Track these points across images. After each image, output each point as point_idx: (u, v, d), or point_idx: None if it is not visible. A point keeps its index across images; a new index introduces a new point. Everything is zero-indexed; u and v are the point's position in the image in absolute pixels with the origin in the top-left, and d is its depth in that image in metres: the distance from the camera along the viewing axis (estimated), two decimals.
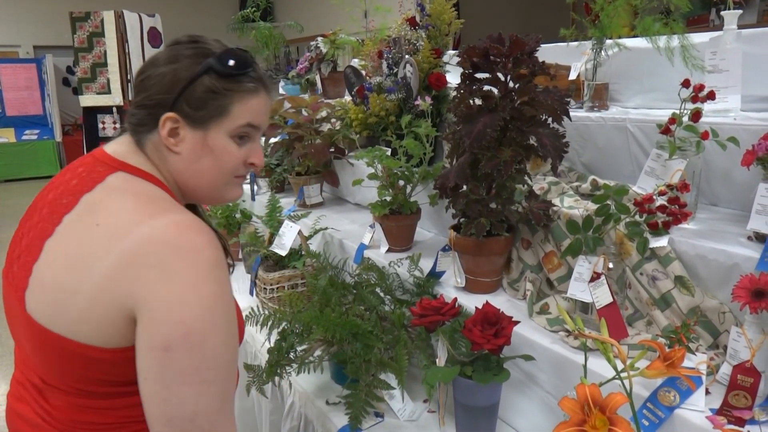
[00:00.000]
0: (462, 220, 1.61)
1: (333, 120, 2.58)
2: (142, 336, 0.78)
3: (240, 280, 2.40)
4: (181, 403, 0.78)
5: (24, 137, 9.37)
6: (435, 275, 1.70)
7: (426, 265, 1.75)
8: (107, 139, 1.03)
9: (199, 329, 0.78)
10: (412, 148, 1.90)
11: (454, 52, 2.28)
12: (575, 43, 1.96)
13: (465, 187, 1.55)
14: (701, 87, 1.35)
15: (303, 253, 2.05)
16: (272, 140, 2.71)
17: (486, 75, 1.49)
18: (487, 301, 1.32)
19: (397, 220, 1.95)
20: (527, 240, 1.64)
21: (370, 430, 1.48)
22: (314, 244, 2.33)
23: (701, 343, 1.28)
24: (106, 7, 6.57)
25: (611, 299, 1.29)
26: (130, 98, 6.07)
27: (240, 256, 2.53)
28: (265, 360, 1.56)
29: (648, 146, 1.62)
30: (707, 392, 1.14)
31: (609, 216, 1.39)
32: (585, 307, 1.41)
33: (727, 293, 1.20)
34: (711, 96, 1.34)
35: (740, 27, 1.64)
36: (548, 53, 1.97)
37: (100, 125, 6.68)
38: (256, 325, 1.64)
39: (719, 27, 1.61)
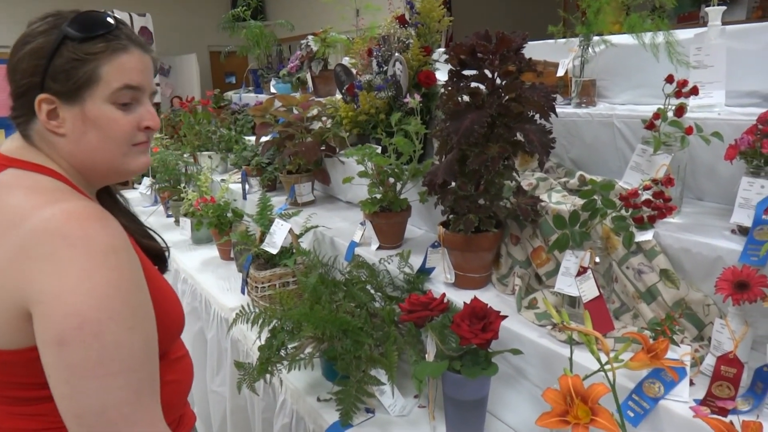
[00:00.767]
0: (451, 216, 1.62)
1: (324, 118, 2.59)
2: (37, 332, 0.75)
3: (231, 279, 2.40)
4: (86, 398, 0.75)
5: None
6: (425, 271, 1.71)
7: (416, 261, 1.76)
8: None
9: (94, 319, 0.74)
10: (402, 146, 1.91)
11: (443, 49, 2.28)
12: (563, 40, 1.98)
13: (453, 184, 1.56)
14: (685, 82, 1.36)
15: (294, 251, 2.05)
16: (263, 139, 2.71)
17: (474, 72, 1.50)
18: (475, 297, 1.33)
19: (387, 217, 1.96)
20: (516, 236, 1.65)
21: (360, 425, 1.49)
22: (305, 242, 2.33)
23: (686, 335, 1.29)
24: (96, 7, 6.52)
25: (598, 293, 1.31)
26: None
27: (231, 255, 2.53)
28: (256, 358, 1.57)
29: (634, 142, 1.64)
30: (691, 383, 1.15)
31: (595, 211, 1.40)
32: (572, 301, 1.42)
33: (711, 286, 1.21)
34: (694, 91, 1.36)
35: (729, 24, 1.66)
36: (536, 50, 1.98)
37: None
38: (247, 323, 1.65)
39: (708, 24, 1.62)
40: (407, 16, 2.28)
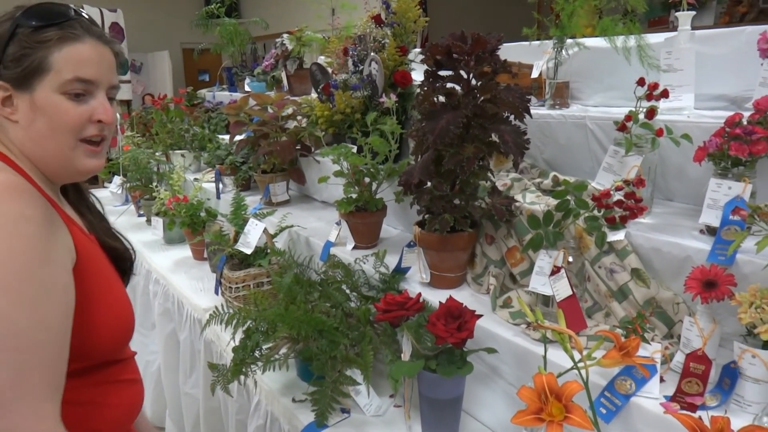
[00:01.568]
0: (426, 216, 1.63)
1: (299, 117, 2.57)
2: None
3: (205, 279, 2.37)
4: None
5: None
6: (400, 271, 1.71)
7: (392, 261, 1.76)
8: None
9: None
10: (378, 146, 1.91)
11: (419, 49, 2.29)
12: (537, 42, 2.00)
13: (429, 184, 1.57)
14: (655, 85, 1.39)
15: (268, 251, 2.03)
16: (237, 138, 2.68)
17: (449, 72, 1.50)
18: (450, 296, 1.34)
19: (363, 217, 1.96)
20: (491, 235, 1.66)
21: (336, 426, 1.48)
22: (280, 242, 2.32)
23: (657, 333, 1.31)
24: (67, 2, 6.38)
25: (571, 292, 1.32)
26: None
27: (205, 255, 2.50)
28: (230, 359, 1.55)
29: (607, 143, 1.66)
30: (662, 380, 1.18)
31: (569, 211, 1.42)
32: (546, 300, 1.44)
33: (681, 285, 1.24)
34: (665, 94, 1.38)
35: (697, 29, 1.70)
36: (512, 52, 2.00)
37: None
38: (221, 324, 1.63)
39: (677, 28, 1.66)
40: (383, 16, 2.28)
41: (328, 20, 2.96)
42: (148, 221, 3.03)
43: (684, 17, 1.65)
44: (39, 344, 0.75)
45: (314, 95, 2.68)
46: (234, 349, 1.55)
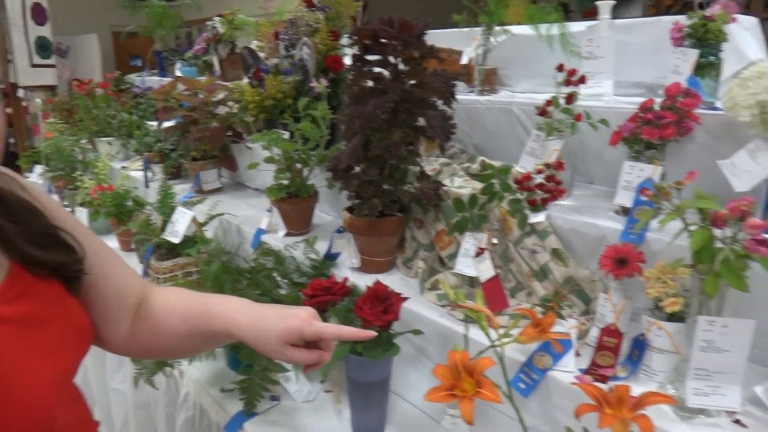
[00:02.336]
0: (356, 201, 1.62)
1: (230, 103, 2.51)
2: None
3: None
4: None
5: None
6: (331, 257, 1.71)
7: (324, 247, 1.75)
8: None
9: None
10: (309, 131, 1.89)
11: None
12: (468, 29, 2.02)
13: (358, 169, 1.56)
14: (573, 71, 1.43)
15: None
16: (166, 124, 2.59)
17: (377, 57, 1.50)
18: (377, 280, 1.34)
19: (294, 203, 1.93)
20: (420, 220, 1.67)
21: (266, 413, 1.47)
22: (211, 231, 2.26)
23: (575, 310, 1.37)
24: None
25: (494, 273, 1.35)
26: (12, 79, 5.58)
27: (133, 246, 2.41)
28: None
29: (531, 128, 1.71)
30: (578, 354, 1.22)
31: (493, 194, 1.45)
32: (472, 282, 1.47)
33: (597, 263, 1.29)
34: (582, 80, 1.43)
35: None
36: (442, 38, 2.02)
37: None
38: None
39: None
40: (315, 0, 2.24)
41: (261, 3, 2.89)
42: (72, 212, 2.89)
43: (605, 6, 1.70)
44: None
45: (246, 80, 2.62)
46: None
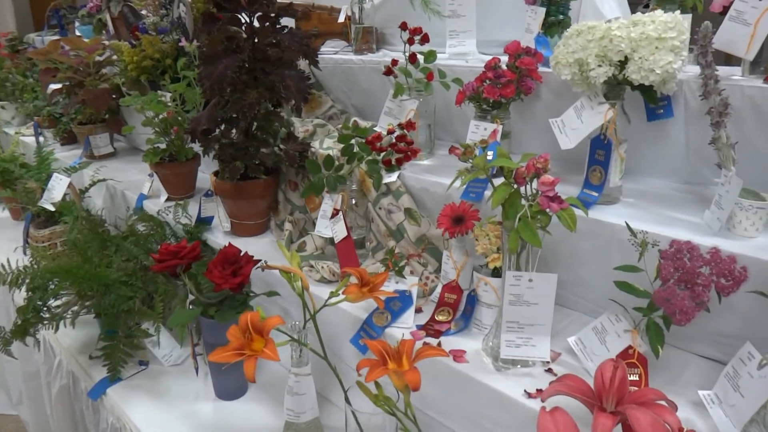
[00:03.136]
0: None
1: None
2: None
3: (16, 241, 2.22)
4: None
5: None
6: (204, 221, 1.70)
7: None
8: None
9: None
10: (185, 93, 1.84)
11: None
12: None
13: (218, 131, 1.54)
14: (416, 30, 1.43)
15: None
16: (51, 86, 2.47)
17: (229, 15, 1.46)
18: (229, 243, 1.35)
19: (173, 167, 1.90)
20: (294, 182, 1.67)
21: (132, 378, 1.48)
22: (99, 198, 2.21)
23: (429, 268, 1.41)
24: None
25: (346, 233, 1.37)
26: None
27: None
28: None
29: None
30: (420, 311, 1.27)
31: (352, 155, 1.46)
32: (333, 242, 1.49)
33: None
34: (426, 39, 1.43)
35: None
36: None
37: None
38: (4, 284, 1.54)
39: None
40: None
41: None
42: None
43: None
44: None
45: None
46: (18, 309, 1.47)
